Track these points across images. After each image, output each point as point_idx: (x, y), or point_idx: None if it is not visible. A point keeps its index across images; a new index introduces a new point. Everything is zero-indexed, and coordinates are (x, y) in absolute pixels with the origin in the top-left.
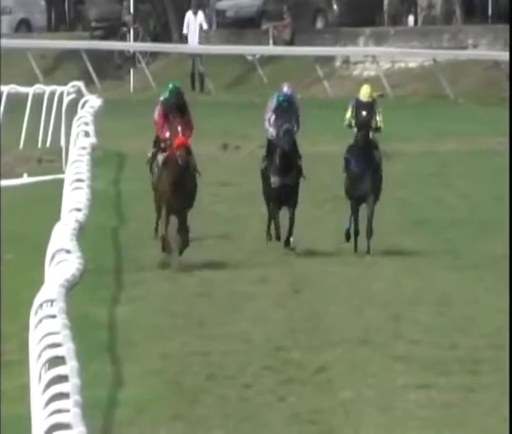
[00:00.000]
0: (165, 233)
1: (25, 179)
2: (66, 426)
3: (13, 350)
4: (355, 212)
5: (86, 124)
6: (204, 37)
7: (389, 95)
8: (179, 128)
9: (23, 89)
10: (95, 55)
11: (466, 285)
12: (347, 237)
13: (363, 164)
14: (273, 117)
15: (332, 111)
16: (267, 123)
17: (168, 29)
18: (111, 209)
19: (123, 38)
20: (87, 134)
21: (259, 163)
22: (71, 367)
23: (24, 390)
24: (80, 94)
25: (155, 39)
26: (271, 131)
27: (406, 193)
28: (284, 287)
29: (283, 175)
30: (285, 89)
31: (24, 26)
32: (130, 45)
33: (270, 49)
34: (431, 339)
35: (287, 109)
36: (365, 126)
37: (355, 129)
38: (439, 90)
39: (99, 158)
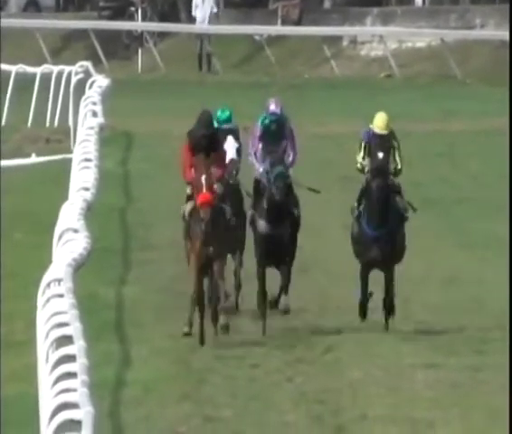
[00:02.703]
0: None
1: (33, 159)
2: (74, 405)
3: (21, 330)
4: (363, 280)
5: (94, 104)
6: (214, 18)
7: (396, 75)
8: (203, 180)
9: (31, 69)
10: (103, 35)
11: (473, 265)
12: (363, 312)
13: (378, 221)
14: (260, 147)
15: (339, 91)
16: (252, 157)
17: (176, 8)
18: (119, 189)
19: (131, 18)
20: (95, 114)
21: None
22: (78, 347)
23: (32, 369)
24: (87, 74)
25: (162, 19)
26: (258, 168)
27: (414, 173)
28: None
29: (273, 224)
30: (272, 106)
31: (33, 6)
32: (138, 25)
33: (278, 29)
34: (438, 320)
35: (276, 134)
36: (381, 172)
37: (369, 175)
38: (446, 70)
39: (106, 138)
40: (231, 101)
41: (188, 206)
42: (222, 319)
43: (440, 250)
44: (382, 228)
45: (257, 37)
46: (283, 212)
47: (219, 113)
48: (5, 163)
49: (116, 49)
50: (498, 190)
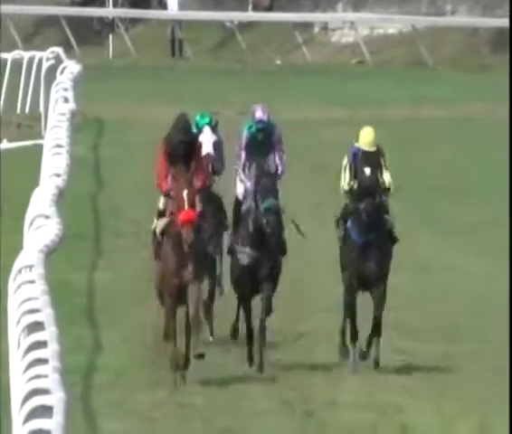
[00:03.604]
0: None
1: (4, 144)
2: (45, 391)
3: None
4: (351, 307)
5: (65, 90)
6: (185, 3)
7: (368, 61)
8: (185, 195)
9: (1, 55)
10: (74, 21)
11: (444, 251)
12: (343, 350)
13: (368, 232)
14: (247, 160)
15: (311, 77)
16: (240, 173)
17: None
18: (90, 175)
19: (102, 4)
20: (66, 99)
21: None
22: (50, 333)
23: (4, 356)
24: (59, 60)
25: (134, 5)
26: (241, 188)
27: (394, 159)
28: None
29: (256, 248)
30: (258, 113)
31: None
32: (109, 11)
33: (249, 15)
34: (410, 307)
35: (263, 144)
36: (370, 191)
37: (356, 195)
38: (418, 57)
39: (78, 124)
40: (202, 87)
41: (160, 223)
42: (198, 349)
43: (411, 236)
44: (372, 238)
45: (228, 23)
46: (269, 242)
47: (198, 118)
48: None
49: (87, 35)
50: (469, 176)
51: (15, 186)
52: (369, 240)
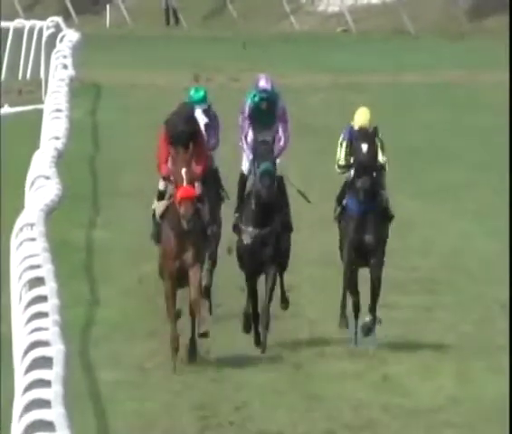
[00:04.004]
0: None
1: (6, 109)
2: (45, 343)
3: None
4: (352, 283)
5: (64, 57)
6: None
7: (352, 30)
8: (183, 173)
9: (3, 24)
10: None
11: (425, 210)
12: (343, 320)
13: (365, 205)
14: (250, 132)
15: (298, 45)
16: (243, 143)
17: None
18: (88, 138)
19: None
20: (65, 66)
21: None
22: (50, 288)
23: (6, 309)
24: (58, 28)
25: None
26: (248, 156)
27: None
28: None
29: (260, 227)
30: (261, 82)
31: None
32: None
33: None
34: (392, 261)
35: (267, 113)
36: (366, 169)
37: (352, 172)
38: (400, 26)
39: (76, 89)
40: (195, 54)
41: (161, 206)
42: (201, 328)
43: (391, 194)
44: (369, 208)
45: None
46: (272, 214)
47: (192, 92)
48: None
49: (85, 5)
50: (449, 140)
51: (17, 149)
52: (366, 211)
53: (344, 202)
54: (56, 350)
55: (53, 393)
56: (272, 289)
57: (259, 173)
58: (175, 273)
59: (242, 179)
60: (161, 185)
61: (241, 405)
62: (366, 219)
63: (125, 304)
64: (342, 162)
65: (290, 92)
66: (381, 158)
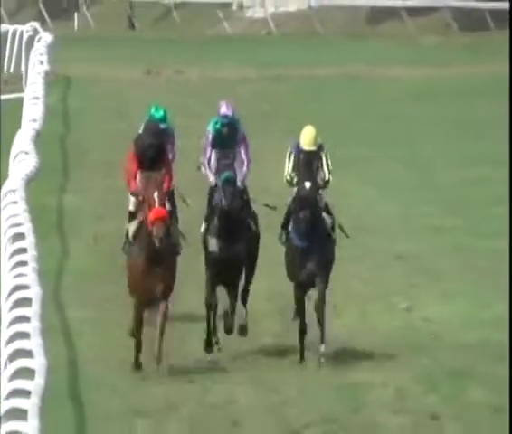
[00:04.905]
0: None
1: None
2: (25, 287)
3: None
4: (300, 304)
5: (41, 54)
6: None
7: (274, 33)
8: (155, 196)
9: None
10: (48, 2)
11: (334, 180)
12: (302, 336)
13: (307, 238)
14: (213, 155)
15: (231, 45)
16: (206, 167)
17: None
18: (60, 120)
19: None
20: (41, 62)
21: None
22: (29, 242)
23: None
24: (36, 32)
25: None
26: (212, 177)
27: (290, 110)
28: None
29: (225, 242)
30: (223, 109)
31: None
32: None
33: None
34: None
35: (228, 138)
36: (308, 202)
37: (296, 202)
38: (313, 28)
39: (51, 81)
40: (147, 53)
41: (132, 227)
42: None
43: None
44: (311, 240)
45: (166, 1)
46: (237, 227)
47: (152, 111)
48: None
49: (58, 12)
50: (355, 120)
51: (2, 130)
52: (309, 241)
53: (289, 228)
54: (34, 292)
55: (32, 328)
56: (233, 304)
57: (220, 181)
58: (145, 297)
59: (212, 192)
60: (131, 206)
61: None
62: (309, 247)
63: (91, 256)
64: (288, 178)
65: (224, 84)
66: (326, 174)
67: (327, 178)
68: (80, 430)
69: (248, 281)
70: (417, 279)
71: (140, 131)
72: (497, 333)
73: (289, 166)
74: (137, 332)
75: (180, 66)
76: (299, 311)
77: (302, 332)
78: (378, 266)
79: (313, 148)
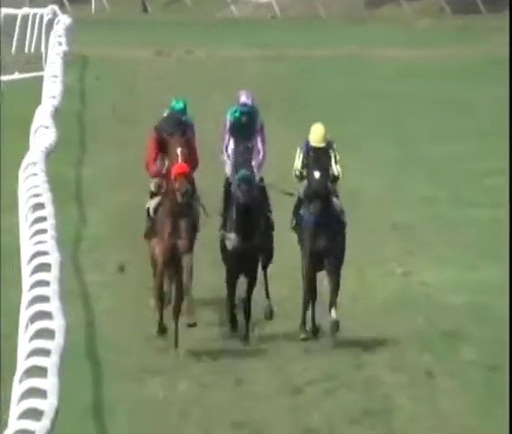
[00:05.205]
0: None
1: (16, 75)
2: (45, 253)
3: (7, 196)
4: (310, 291)
5: (60, 36)
6: None
7: (278, 16)
8: (178, 151)
9: (13, 11)
10: None
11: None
12: (306, 329)
13: (321, 218)
14: (231, 143)
15: (237, 27)
16: (224, 153)
17: None
18: (78, 98)
19: None
20: (60, 43)
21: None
22: (48, 211)
23: (16, 226)
24: (55, 14)
25: None
26: (228, 167)
27: (286, 87)
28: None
29: (241, 236)
30: (243, 98)
31: None
32: None
33: None
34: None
35: (247, 127)
36: (319, 194)
37: (306, 182)
38: (315, 12)
39: (69, 61)
40: (159, 35)
41: (153, 202)
42: (188, 319)
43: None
44: (324, 221)
45: None
46: (252, 223)
47: (174, 103)
48: None
49: None
50: (350, 99)
51: (24, 106)
52: (320, 223)
53: (301, 212)
54: (53, 258)
55: (51, 291)
56: (249, 294)
57: (236, 179)
58: (169, 258)
59: (227, 185)
60: (152, 186)
61: None
62: (320, 228)
63: (107, 224)
64: (297, 173)
65: (232, 62)
66: (335, 170)
67: (336, 174)
68: (96, 387)
69: (253, 280)
70: (411, 247)
71: (161, 120)
72: (486, 296)
73: (298, 163)
74: (160, 290)
75: (190, 47)
76: (310, 296)
77: (307, 302)
78: (374, 234)
79: (322, 144)
